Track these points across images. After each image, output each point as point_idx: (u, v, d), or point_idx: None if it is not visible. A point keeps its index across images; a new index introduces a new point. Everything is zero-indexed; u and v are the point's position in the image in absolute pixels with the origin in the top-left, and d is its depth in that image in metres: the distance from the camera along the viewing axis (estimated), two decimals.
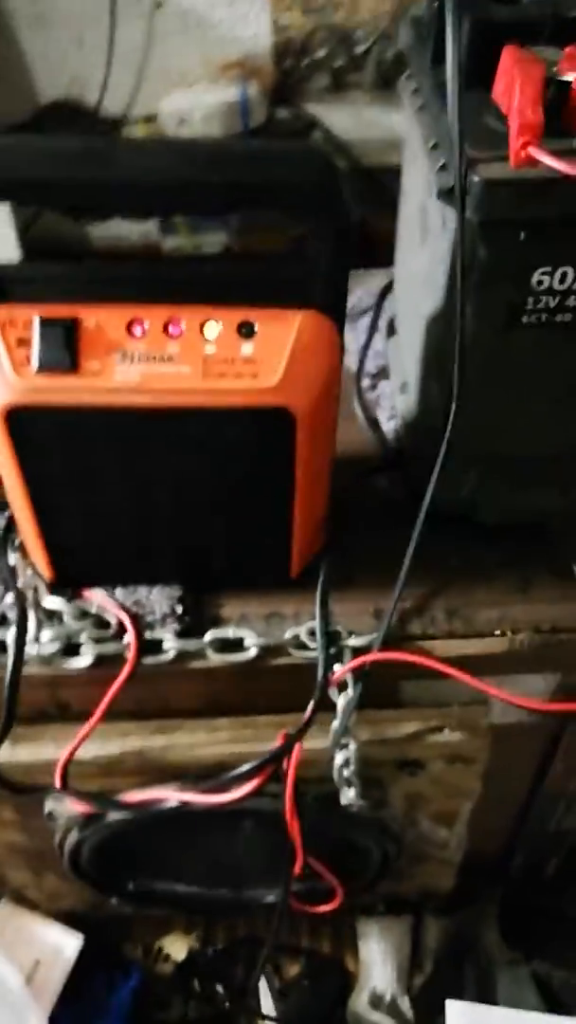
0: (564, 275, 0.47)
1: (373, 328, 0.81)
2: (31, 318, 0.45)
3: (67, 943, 0.95)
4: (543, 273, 0.47)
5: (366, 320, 0.85)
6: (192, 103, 0.82)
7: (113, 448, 0.49)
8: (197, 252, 0.97)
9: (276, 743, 0.57)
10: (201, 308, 0.46)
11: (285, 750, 0.53)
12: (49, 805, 0.66)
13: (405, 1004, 0.93)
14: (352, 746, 0.60)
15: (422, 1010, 0.94)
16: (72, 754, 0.59)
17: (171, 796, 0.56)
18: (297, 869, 0.61)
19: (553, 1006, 0.95)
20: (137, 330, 0.46)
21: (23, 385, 0.45)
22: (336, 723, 0.58)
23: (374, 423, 0.75)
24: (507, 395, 0.54)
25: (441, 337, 0.56)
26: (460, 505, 0.63)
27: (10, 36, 0.80)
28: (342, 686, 0.57)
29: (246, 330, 0.46)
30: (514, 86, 0.39)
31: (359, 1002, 0.94)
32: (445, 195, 0.47)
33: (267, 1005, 0.98)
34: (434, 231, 0.57)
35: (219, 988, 1.00)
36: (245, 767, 0.54)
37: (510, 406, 0.55)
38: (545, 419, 0.56)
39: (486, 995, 0.95)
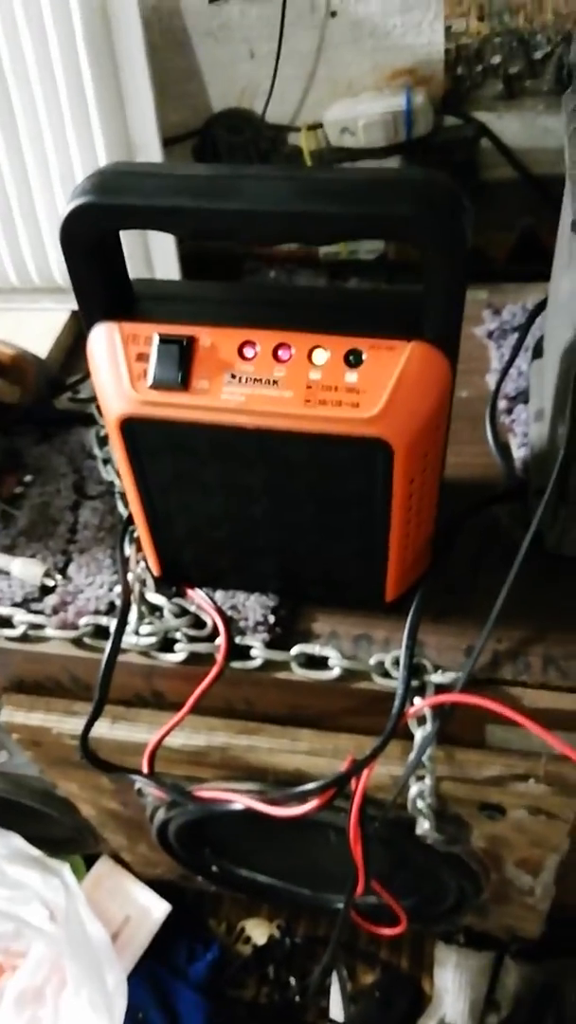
0: None
1: (518, 347, 0.78)
2: (152, 335, 0.48)
3: (156, 907, 1.01)
4: None
5: (515, 338, 0.82)
6: (356, 111, 0.82)
7: (216, 461, 0.51)
8: (352, 258, 0.97)
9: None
10: (313, 334, 0.46)
11: (349, 775, 0.53)
12: (140, 782, 0.70)
13: None
14: (428, 780, 0.60)
15: None
16: (159, 742, 0.62)
17: (238, 799, 0.58)
18: (359, 891, 0.62)
19: None
20: (249, 352, 0.47)
21: (137, 398, 0.48)
22: (412, 755, 0.57)
23: (504, 449, 0.72)
24: None
25: (570, 370, 0.53)
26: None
27: (188, 49, 0.83)
28: (421, 719, 0.56)
29: (353, 358, 0.46)
30: None
31: None
32: None
33: (336, 1007, 0.99)
34: None
35: (292, 980, 1.02)
36: (309, 786, 0.54)
37: None
38: None
39: None
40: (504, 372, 0.76)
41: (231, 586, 0.62)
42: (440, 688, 0.56)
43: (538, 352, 0.78)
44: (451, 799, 0.63)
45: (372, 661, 0.58)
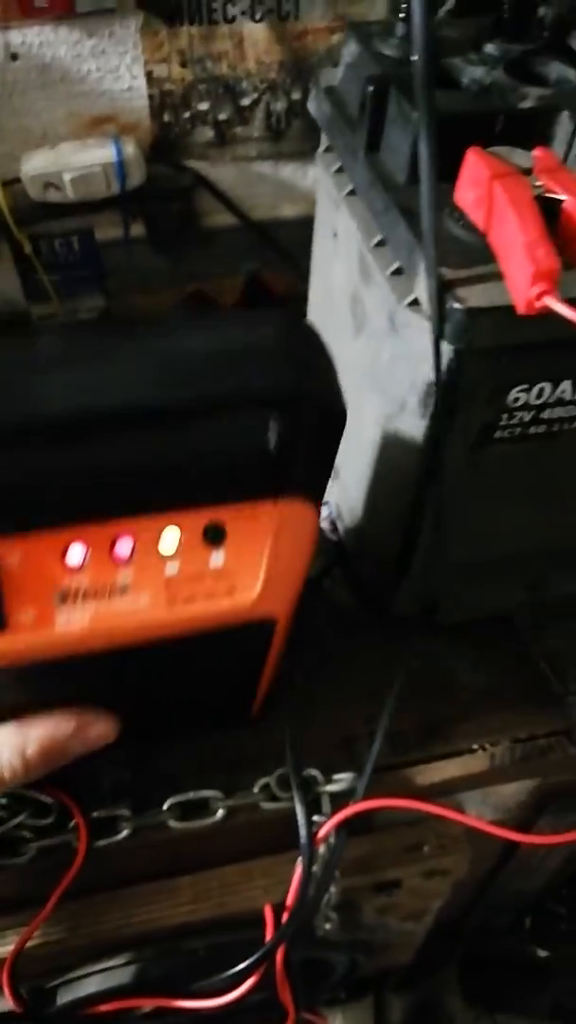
0: (541, 391, 0.43)
1: None
2: None
3: None
4: (520, 391, 0.43)
5: None
6: (60, 164, 0.73)
7: (60, 683, 0.41)
8: (72, 319, 0.87)
9: (251, 907, 0.51)
10: (155, 514, 0.35)
11: (278, 942, 0.47)
12: None
13: None
14: (333, 888, 0.55)
15: None
16: (13, 958, 0.50)
17: (148, 1004, 0.48)
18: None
19: None
20: (75, 557, 0.35)
21: None
22: (319, 873, 0.52)
23: None
24: (475, 504, 0.50)
25: (393, 446, 0.52)
26: (417, 605, 0.59)
27: None
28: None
29: (214, 535, 0.36)
30: (505, 210, 0.35)
31: None
32: (409, 306, 0.43)
33: None
34: (376, 331, 0.52)
35: None
36: (238, 967, 0.47)
37: (477, 515, 0.51)
38: (513, 522, 0.53)
39: None
40: None
41: None
42: (336, 797, 0.52)
43: None
44: (349, 891, 0.59)
45: (256, 788, 0.52)
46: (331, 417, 0.36)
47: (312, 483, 0.37)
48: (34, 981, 0.58)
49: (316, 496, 0.38)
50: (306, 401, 0.34)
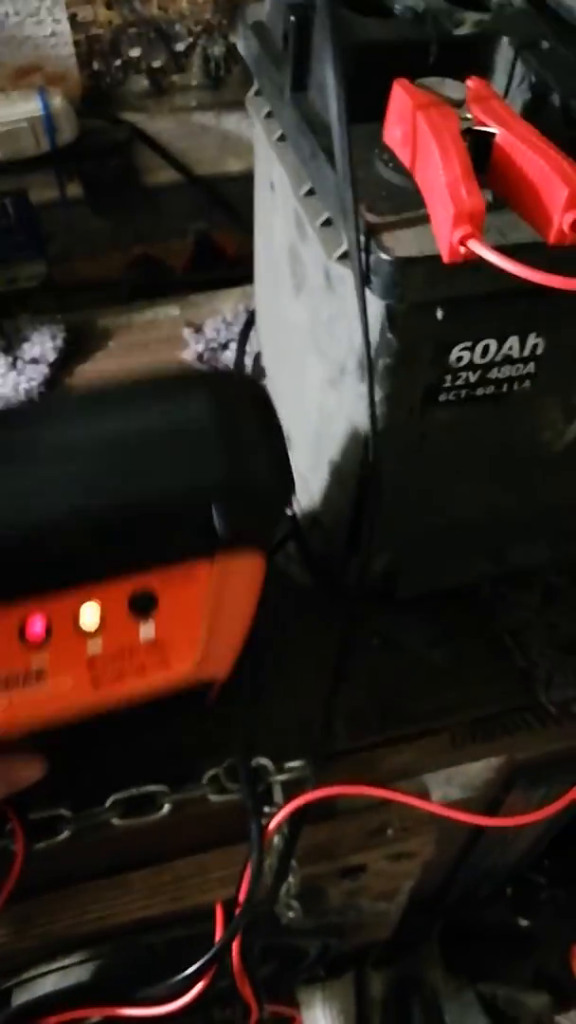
0: (487, 348, 0.40)
1: (239, 366, 0.72)
2: None
3: None
4: (463, 349, 0.40)
5: (230, 356, 0.76)
6: None
7: None
8: (12, 288, 0.83)
9: (207, 900, 0.48)
10: (70, 591, 0.31)
11: (228, 941, 0.44)
12: None
13: None
14: (291, 878, 0.53)
15: None
16: None
17: (96, 1014, 0.46)
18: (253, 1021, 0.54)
19: (500, 1022, 0.94)
20: None
21: None
22: (274, 865, 0.50)
23: None
24: (425, 472, 0.47)
25: (337, 412, 0.48)
26: (372, 580, 0.56)
27: None
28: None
29: (142, 604, 0.32)
30: (428, 146, 0.31)
31: None
32: (340, 259, 0.39)
33: None
34: (314, 288, 0.48)
35: None
36: (187, 972, 0.44)
37: (427, 482, 0.48)
38: (465, 491, 0.49)
39: None
40: None
41: None
42: (288, 786, 0.49)
43: (257, 369, 0.73)
44: (311, 878, 0.57)
45: (205, 779, 0.49)
46: (279, 493, 0.32)
47: (259, 534, 0.33)
48: None
49: (264, 543, 0.34)
50: (248, 489, 0.31)
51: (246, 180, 0.82)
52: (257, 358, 0.72)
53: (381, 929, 0.84)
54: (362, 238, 0.35)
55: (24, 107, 0.68)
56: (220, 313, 0.80)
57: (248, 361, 0.73)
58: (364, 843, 0.56)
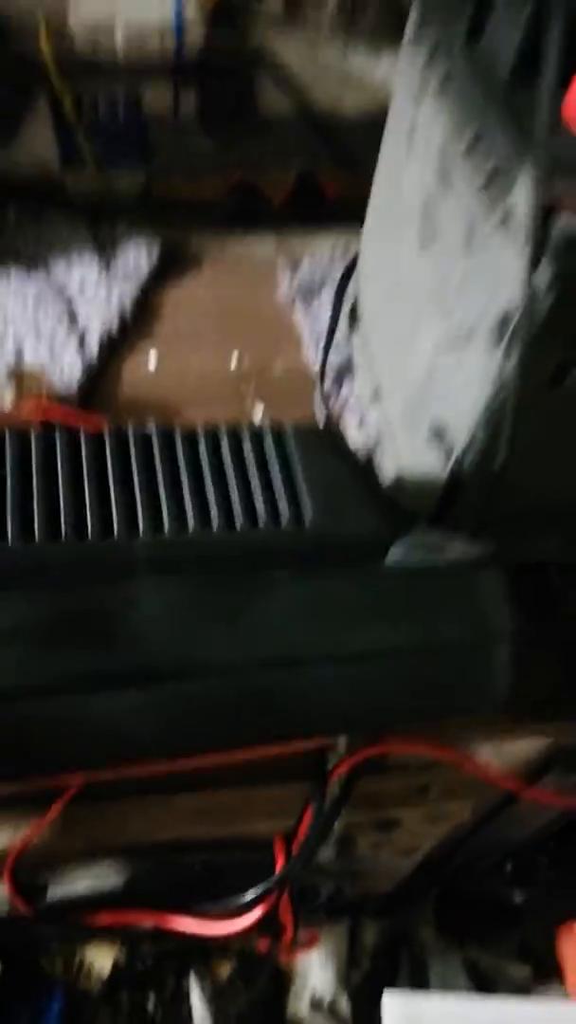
0: None
1: (336, 316, 0.70)
2: None
3: None
4: None
5: (324, 299, 0.74)
6: (114, 13, 0.65)
7: None
8: (112, 196, 0.81)
9: (250, 831, 0.50)
10: None
11: (287, 876, 0.46)
12: None
13: (344, 1004, 0.92)
14: (336, 823, 0.54)
15: (360, 1004, 0.93)
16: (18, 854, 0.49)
17: (149, 921, 0.48)
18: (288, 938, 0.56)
19: (481, 987, 0.97)
20: None
21: None
22: (327, 806, 0.51)
23: None
24: (533, 451, 0.47)
25: (450, 377, 0.48)
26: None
27: None
28: None
29: None
30: None
31: (299, 1005, 0.93)
32: (501, 223, 0.38)
33: (199, 1011, 0.94)
34: (449, 245, 0.47)
35: (152, 995, 0.96)
36: (248, 895, 0.46)
37: (532, 460, 0.48)
38: (568, 471, 0.49)
39: (419, 982, 0.95)
40: (328, 346, 0.69)
41: None
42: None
43: (354, 318, 0.71)
44: (348, 827, 0.59)
45: None
46: None
47: None
48: (26, 875, 0.58)
49: None
50: None
51: (361, 122, 0.80)
52: (355, 305, 0.71)
53: (386, 882, 0.86)
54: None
55: (159, 9, 0.66)
56: (316, 253, 0.79)
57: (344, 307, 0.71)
58: (407, 799, 0.58)
